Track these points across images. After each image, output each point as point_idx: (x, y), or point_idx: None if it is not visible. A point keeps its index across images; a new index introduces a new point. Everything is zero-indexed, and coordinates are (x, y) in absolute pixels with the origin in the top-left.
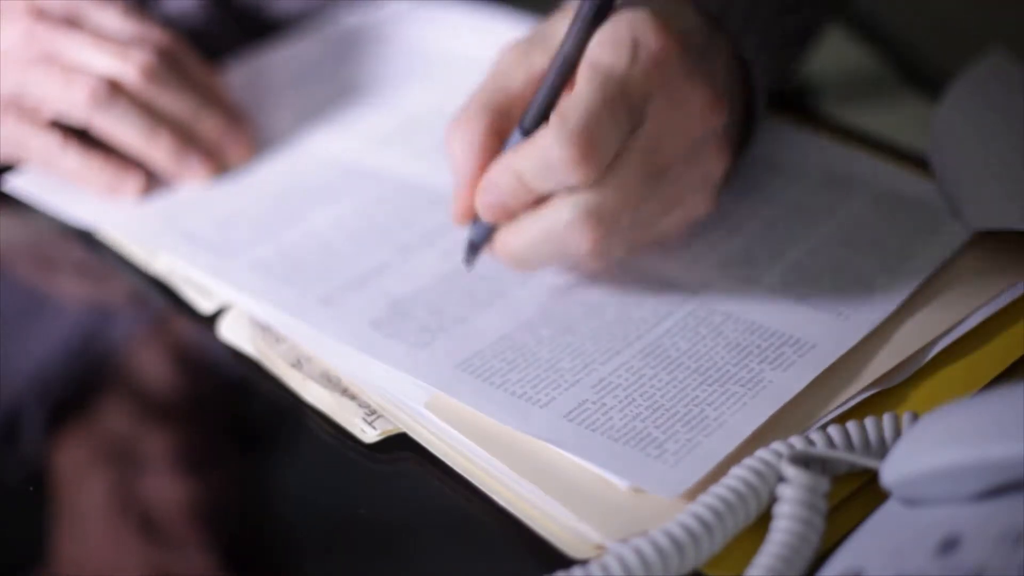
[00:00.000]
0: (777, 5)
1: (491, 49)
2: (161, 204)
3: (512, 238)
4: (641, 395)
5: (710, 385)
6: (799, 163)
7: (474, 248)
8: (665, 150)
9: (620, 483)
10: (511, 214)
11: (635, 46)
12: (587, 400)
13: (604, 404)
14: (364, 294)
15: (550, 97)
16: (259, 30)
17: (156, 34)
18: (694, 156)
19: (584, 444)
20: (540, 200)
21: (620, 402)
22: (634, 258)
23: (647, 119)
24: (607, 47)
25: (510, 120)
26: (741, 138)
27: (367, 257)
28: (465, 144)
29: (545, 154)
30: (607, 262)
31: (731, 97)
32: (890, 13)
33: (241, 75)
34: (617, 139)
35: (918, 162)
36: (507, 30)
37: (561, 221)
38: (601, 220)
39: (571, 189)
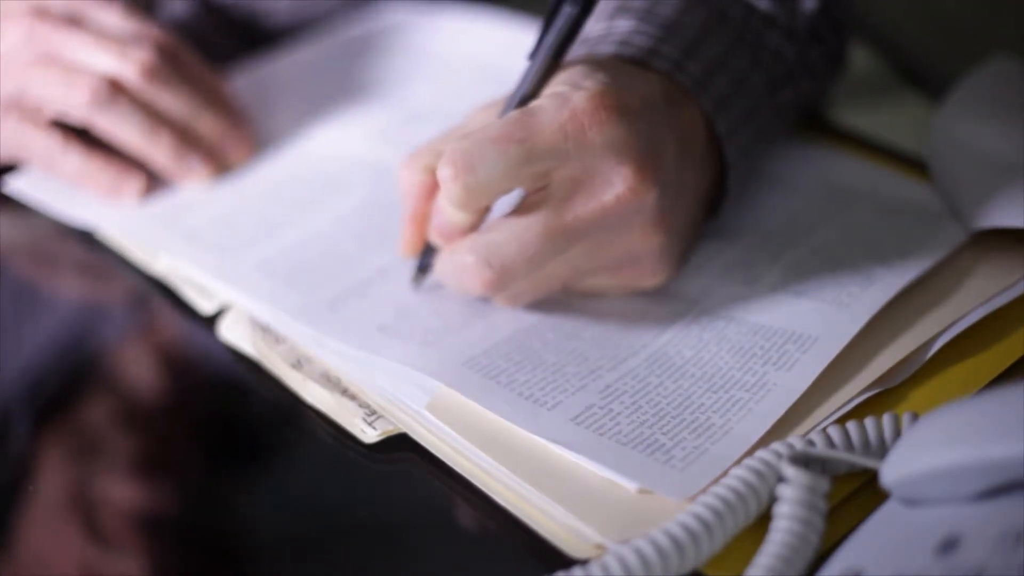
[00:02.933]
0: (768, 79)
1: (494, 52)
2: (162, 204)
3: (438, 266)
4: (647, 402)
5: (715, 392)
6: (799, 173)
7: (422, 270)
8: (571, 216)
9: (629, 485)
10: (449, 239)
11: (564, 102)
12: (594, 405)
13: (611, 410)
14: (370, 298)
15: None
16: (256, 39)
17: (156, 33)
18: (616, 229)
19: (592, 448)
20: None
21: (627, 408)
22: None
23: (558, 181)
24: (544, 99)
25: None
26: (709, 207)
27: (371, 260)
28: (409, 182)
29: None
30: (514, 304)
31: (692, 171)
32: (890, 14)
33: (245, 79)
34: (500, 175)
35: (917, 164)
36: (508, 33)
37: (461, 259)
38: (490, 265)
39: (474, 231)
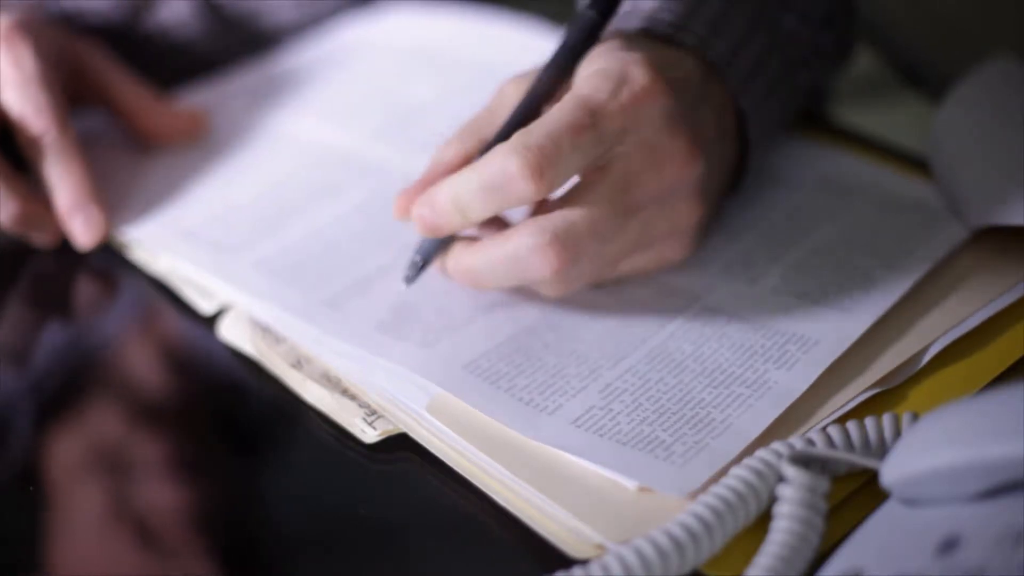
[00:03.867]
0: (788, 59)
1: (493, 51)
2: (162, 204)
3: (469, 257)
4: (648, 399)
5: (716, 388)
6: (799, 170)
7: (417, 267)
8: (634, 191)
9: (629, 483)
10: (439, 233)
11: (620, 82)
12: (594, 406)
13: (611, 410)
14: (369, 297)
15: (518, 118)
16: (254, 41)
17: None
18: (666, 202)
19: (593, 450)
20: (485, 224)
21: (627, 407)
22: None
23: (619, 157)
24: (592, 78)
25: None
26: (730, 184)
27: (371, 258)
28: (440, 160)
29: (498, 167)
30: (567, 290)
31: (722, 146)
32: (890, 14)
33: (245, 79)
34: (576, 164)
35: (918, 163)
36: (507, 31)
37: (525, 244)
38: (566, 246)
39: (537, 214)
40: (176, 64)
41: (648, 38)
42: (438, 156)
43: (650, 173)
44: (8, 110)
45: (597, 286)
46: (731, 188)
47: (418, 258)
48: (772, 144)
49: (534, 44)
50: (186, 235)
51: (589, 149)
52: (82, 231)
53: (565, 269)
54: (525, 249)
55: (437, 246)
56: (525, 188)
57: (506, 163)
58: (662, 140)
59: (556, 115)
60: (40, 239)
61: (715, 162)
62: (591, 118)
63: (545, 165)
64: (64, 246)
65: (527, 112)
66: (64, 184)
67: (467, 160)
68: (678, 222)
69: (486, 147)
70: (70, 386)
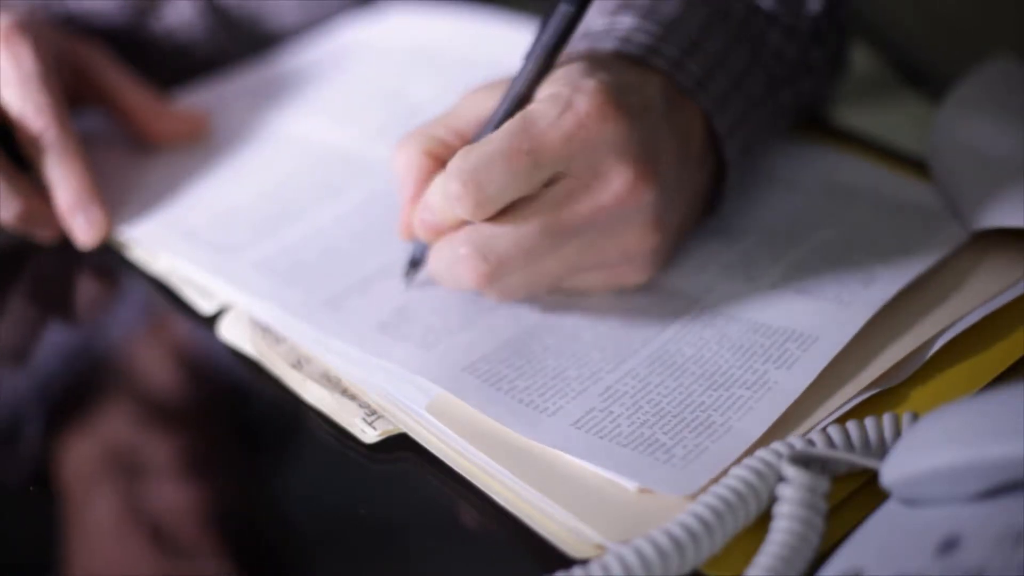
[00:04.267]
0: (768, 78)
1: (493, 50)
2: (162, 203)
3: (431, 259)
4: (648, 402)
5: (716, 390)
6: (799, 172)
7: (414, 264)
8: (567, 213)
9: (629, 484)
10: (442, 234)
11: (566, 108)
12: (594, 408)
13: (611, 412)
14: (369, 297)
15: (498, 122)
16: (258, 42)
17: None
18: (612, 228)
19: (593, 451)
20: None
21: (627, 409)
22: None
23: (560, 180)
24: (541, 103)
25: (450, 151)
26: (704, 208)
27: (371, 258)
28: (407, 165)
29: (440, 190)
30: (507, 298)
31: (688, 171)
32: (890, 14)
33: (246, 79)
34: (512, 188)
35: (918, 164)
36: (506, 31)
37: (455, 252)
38: (486, 259)
39: (470, 224)
40: (181, 65)
41: (619, 60)
42: (400, 160)
43: (586, 197)
44: (8, 109)
45: (560, 294)
46: (708, 211)
47: (413, 258)
48: (754, 163)
49: None
50: (186, 235)
51: (524, 174)
52: (83, 230)
53: (489, 281)
54: (454, 258)
55: (425, 247)
56: (463, 210)
57: (447, 185)
58: (606, 166)
59: (495, 139)
60: (42, 235)
61: (675, 188)
62: (529, 143)
63: (474, 189)
64: (64, 245)
65: (506, 117)
66: (65, 183)
67: (433, 160)
68: (629, 248)
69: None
70: (69, 386)
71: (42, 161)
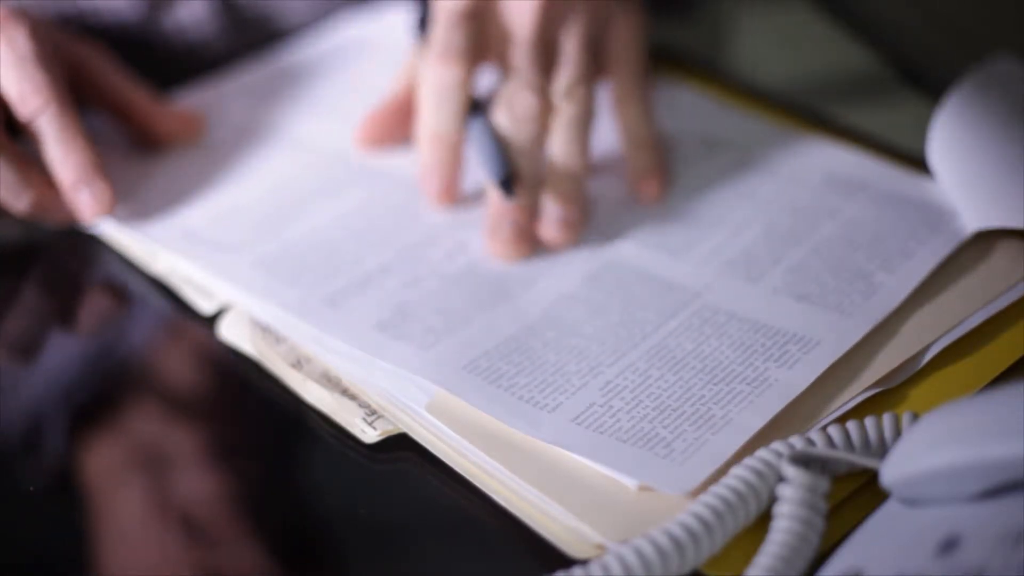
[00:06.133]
0: None
1: None
2: (162, 204)
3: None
4: (648, 396)
5: (716, 384)
6: (799, 166)
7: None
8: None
9: (629, 482)
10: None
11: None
12: (595, 403)
13: (611, 407)
14: (369, 296)
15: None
16: (268, 40)
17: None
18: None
19: (593, 447)
20: None
21: (627, 404)
22: (634, 262)
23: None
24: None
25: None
26: None
27: (371, 257)
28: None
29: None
30: None
31: None
32: (890, 14)
33: (247, 78)
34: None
35: (918, 163)
36: None
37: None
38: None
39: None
40: (192, 64)
41: None
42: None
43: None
44: (6, 90)
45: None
46: None
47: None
48: None
49: None
50: (186, 235)
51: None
52: (88, 205)
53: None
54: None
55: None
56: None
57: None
58: None
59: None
60: (53, 220)
61: None
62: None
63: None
64: (64, 245)
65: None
66: (68, 160)
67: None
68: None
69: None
70: (69, 387)
71: (43, 140)
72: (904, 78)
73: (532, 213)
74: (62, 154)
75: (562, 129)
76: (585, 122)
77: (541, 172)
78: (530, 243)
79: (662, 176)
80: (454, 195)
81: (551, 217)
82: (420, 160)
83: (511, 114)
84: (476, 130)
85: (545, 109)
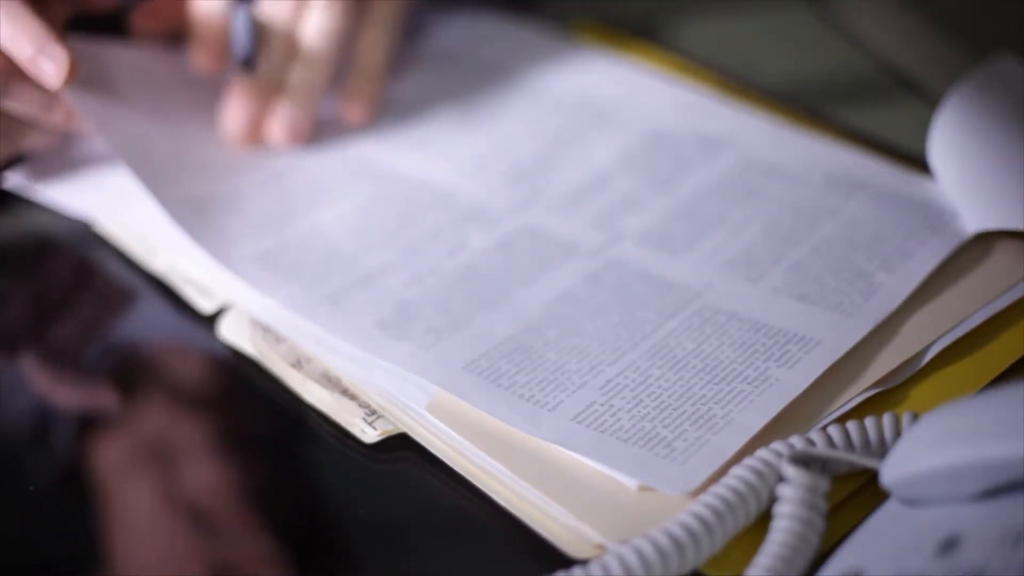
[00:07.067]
0: None
1: (492, 49)
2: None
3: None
4: (648, 395)
5: (716, 384)
6: (800, 165)
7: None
8: None
9: (629, 482)
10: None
11: None
12: (595, 402)
13: (612, 406)
14: (369, 294)
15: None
16: None
17: None
18: None
19: (593, 446)
20: None
21: (628, 403)
22: (634, 261)
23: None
24: None
25: None
26: None
27: (372, 255)
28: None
29: None
30: None
31: None
32: (890, 13)
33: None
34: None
35: (918, 163)
36: (510, 31)
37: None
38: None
39: None
40: None
41: None
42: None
43: None
44: None
45: None
46: None
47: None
48: None
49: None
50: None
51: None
52: (50, 72)
53: None
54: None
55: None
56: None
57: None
58: None
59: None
60: (55, 122)
61: None
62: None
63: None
64: (63, 248)
65: None
66: (21, 35)
67: None
68: None
69: None
70: (67, 387)
71: None
72: (904, 78)
73: (266, 97)
74: (13, 31)
75: (319, 10)
76: (344, 11)
77: (289, 58)
78: (254, 134)
79: (370, 101)
80: (223, 66)
81: (278, 116)
82: (190, 40)
83: None
84: (240, 11)
85: None
